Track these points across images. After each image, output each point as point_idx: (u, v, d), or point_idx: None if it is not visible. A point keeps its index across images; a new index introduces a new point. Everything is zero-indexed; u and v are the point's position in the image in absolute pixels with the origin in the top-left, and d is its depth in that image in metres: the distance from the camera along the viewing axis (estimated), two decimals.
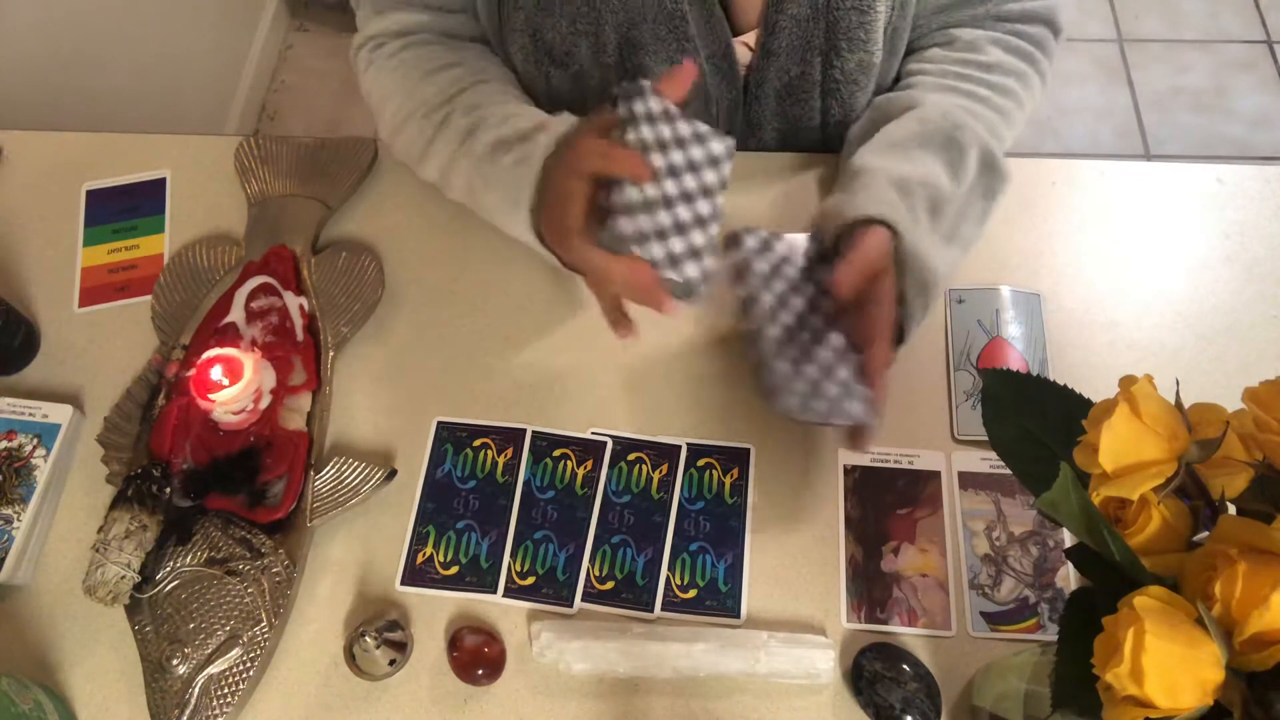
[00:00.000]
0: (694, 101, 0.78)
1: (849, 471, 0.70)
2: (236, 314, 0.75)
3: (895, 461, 0.70)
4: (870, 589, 0.66)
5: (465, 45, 0.79)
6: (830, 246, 0.68)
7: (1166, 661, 0.33)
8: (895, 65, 0.81)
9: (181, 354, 0.73)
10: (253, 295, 0.76)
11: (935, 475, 0.69)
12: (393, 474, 0.70)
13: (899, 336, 0.67)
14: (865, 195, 0.67)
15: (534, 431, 0.72)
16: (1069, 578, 0.66)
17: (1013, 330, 0.74)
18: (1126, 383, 0.39)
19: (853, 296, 0.63)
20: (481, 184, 0.70)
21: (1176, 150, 1.92)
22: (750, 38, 0.76)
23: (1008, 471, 0.67)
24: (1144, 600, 0.35)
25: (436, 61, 0.76)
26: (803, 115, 0.82)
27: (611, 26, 0.73)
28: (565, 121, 0.69)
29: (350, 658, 0.62)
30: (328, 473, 0.69)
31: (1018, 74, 0.77)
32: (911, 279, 0.65)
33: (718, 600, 0.66)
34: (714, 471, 0.70)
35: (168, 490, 0.67)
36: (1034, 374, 0.72)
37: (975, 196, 0.72)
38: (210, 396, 0.67)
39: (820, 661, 0.62)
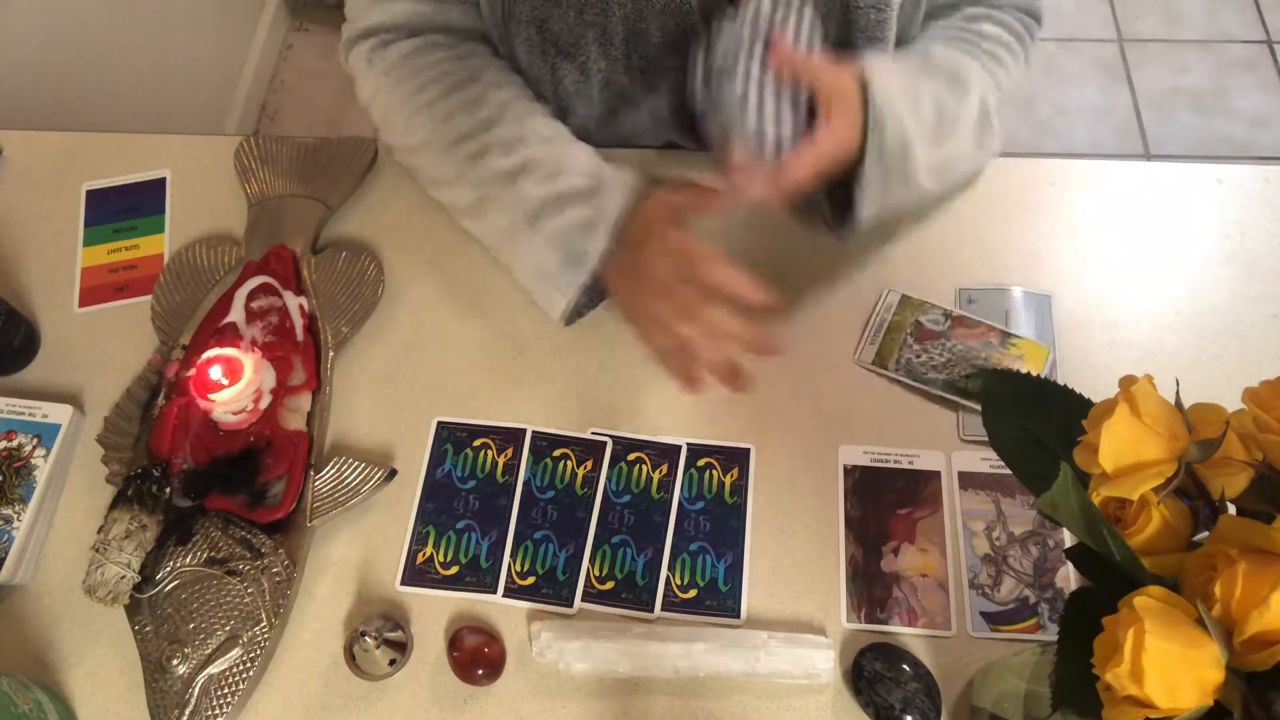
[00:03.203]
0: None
1: (849, 471, 0.70)
2: (236, 314, 0.75)
3: (895, 461, 0.70)
4: (870, 589, 0.66)
5: (473, 49, 0.79)
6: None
7: (1166, 661, 0.33)
8: None
9: (181, 354, 0.73)
10: (253, 295, 0.76)
11: (935, 475, 0.69)
12: (393, 474, 0.70)
13: (849, 213, 0.69)
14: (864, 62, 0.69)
15: (534, 431, 0.72)
16: (1069, 578, 0.66)
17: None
18: (1126, 383, 0.39)
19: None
20: (530, 233, 0.71)
21: (1176, 150, 1.92)
22: None
23: (1008, 471, 0.67)
24: (1144, 600, 0.35)
25: (453, 75, 0.76)
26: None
27: (619, 18, 0.73)
28: (623, 182, 0.71)
29: (350, 658, 0.62)
30: (328, 473, 0.69)
31: (1009, 48, 0.79)
32: (874, 140, 0.66)
33: (718, 600, 0.66)
34: (714, 471, 0.70)
35: (168, 490, 0.67)
36: (1043, 375, 0.72)
37: (969, 137, 0.73)
38: (210, 396, 0.67)
39: (820, 661, 0.62)
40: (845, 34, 0.74)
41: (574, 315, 0.73)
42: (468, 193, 0.74)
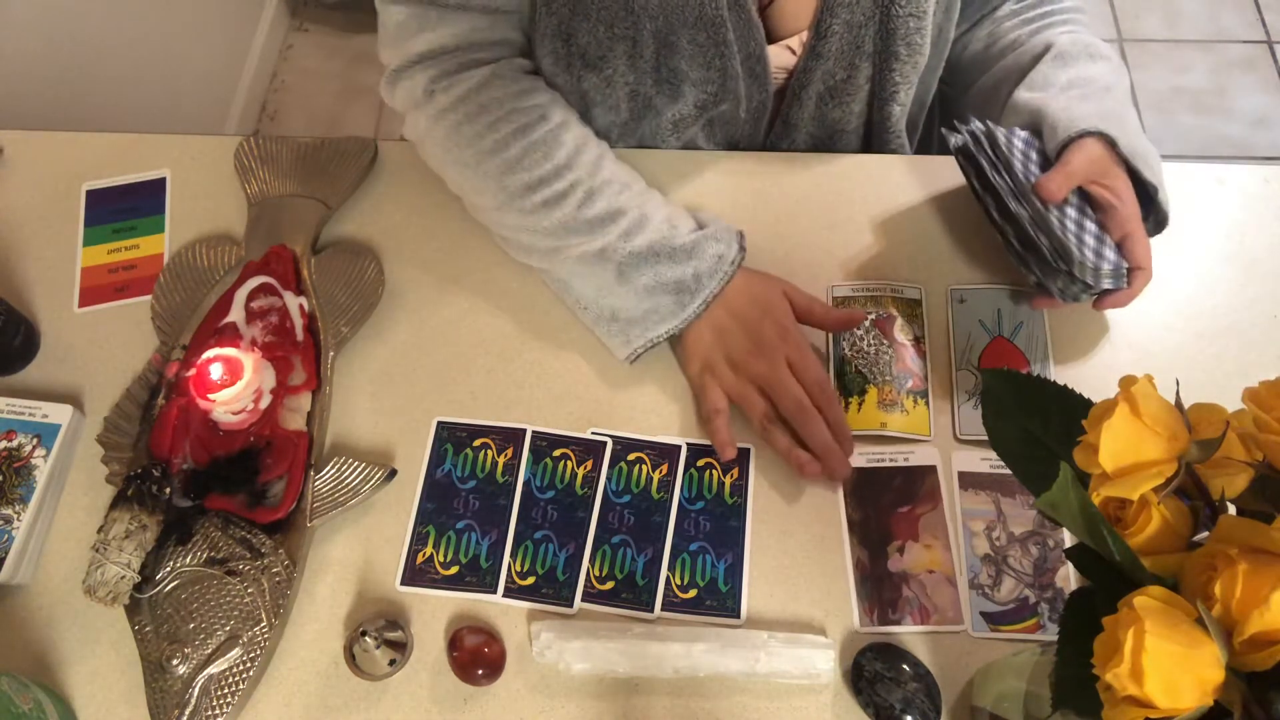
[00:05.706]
0: (725, 102, 0.78)
1: None
2: (236, 314, 0.75)
3: (890, 460, 0.70)
4: (880, 591, 0.66)
5: (534, 84, 0.77)
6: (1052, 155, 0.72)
7: (1166, 661, 0.34)
8: (939, 64, 0.83)
9: (181, 354, 0.73)
10: (253, 295, 0.76)
11: (931, 470, 0.69)
12: (393, 474, 0.70)
13: (1162, 222, 0.73)
14: (1065, 117, 0.71)
15: (534, 431, 0.72)
16: (1069, 578, 0.66)
17: (1014, 330, 0.74)
18: (1126, 383, 0.39)
19: (1059, 199, 0.68)
20: (617, 283, 0.72)
21: (1176, 150, 1.92)
22: (794, 41, 0.76)
23: (1008, 471, 0.67)
24: (1144, 600, 0.35)
25: (522, 116, 0.74)
26: (841, 118, 0.83)
27: (649, 31, 0.72)
28: (720, 250, 0.72)
29: (350, 658, 0.62)
30: (328, 473, 0.69)
31: (1076, 8, 0.84)
32: (1139, 162, 0.70)
33: (718, 600, 0.66)
34: (714, 471, 0.70)
35: (168, 490, 0.67)
36: (1035, 374, 0.72)
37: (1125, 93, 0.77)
38: (210, 396, 0.67)
39: (820, 661, 0.62)
40: (887, 43, 0.75)
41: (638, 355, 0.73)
42: (541, 237, 0.74)
